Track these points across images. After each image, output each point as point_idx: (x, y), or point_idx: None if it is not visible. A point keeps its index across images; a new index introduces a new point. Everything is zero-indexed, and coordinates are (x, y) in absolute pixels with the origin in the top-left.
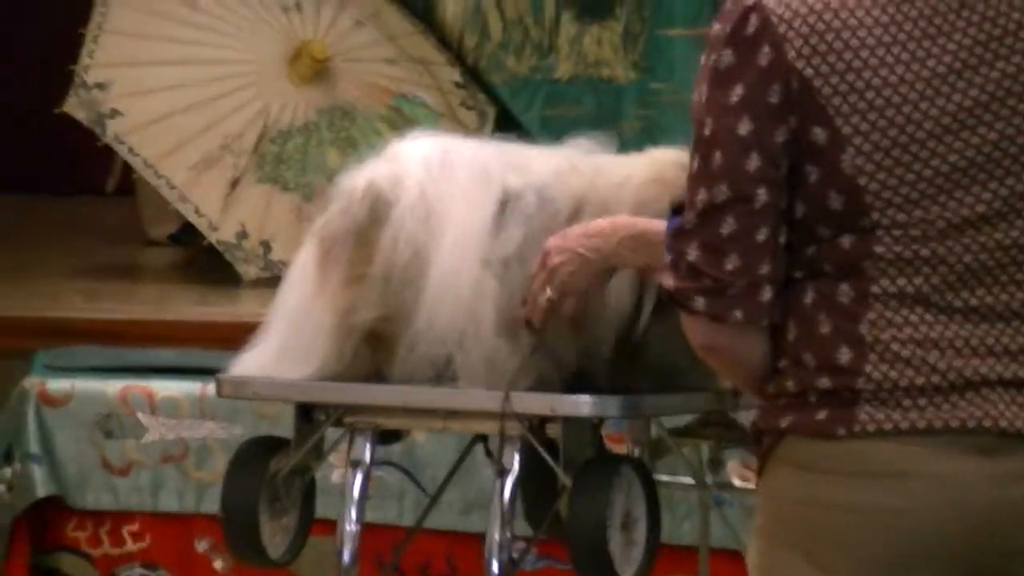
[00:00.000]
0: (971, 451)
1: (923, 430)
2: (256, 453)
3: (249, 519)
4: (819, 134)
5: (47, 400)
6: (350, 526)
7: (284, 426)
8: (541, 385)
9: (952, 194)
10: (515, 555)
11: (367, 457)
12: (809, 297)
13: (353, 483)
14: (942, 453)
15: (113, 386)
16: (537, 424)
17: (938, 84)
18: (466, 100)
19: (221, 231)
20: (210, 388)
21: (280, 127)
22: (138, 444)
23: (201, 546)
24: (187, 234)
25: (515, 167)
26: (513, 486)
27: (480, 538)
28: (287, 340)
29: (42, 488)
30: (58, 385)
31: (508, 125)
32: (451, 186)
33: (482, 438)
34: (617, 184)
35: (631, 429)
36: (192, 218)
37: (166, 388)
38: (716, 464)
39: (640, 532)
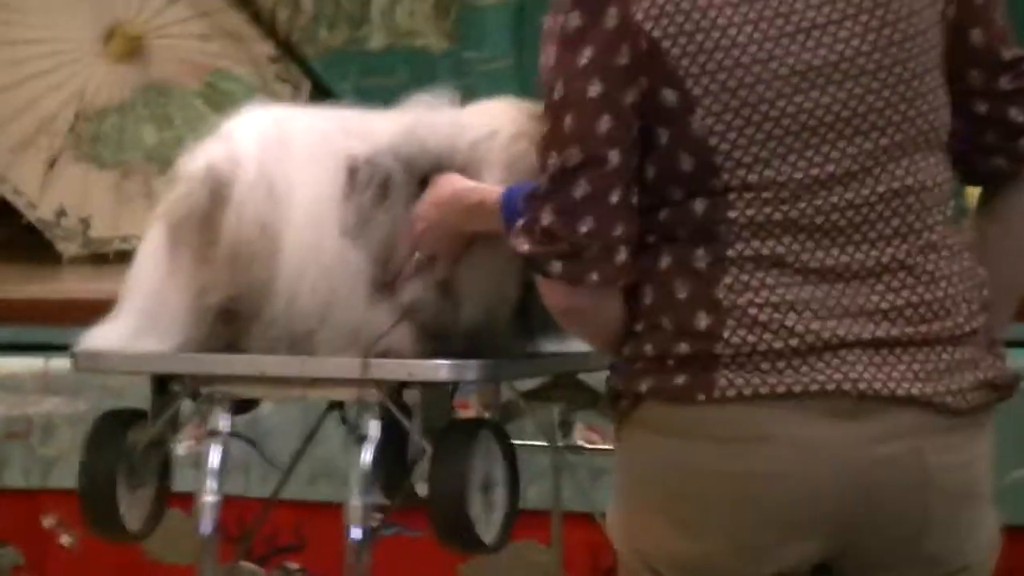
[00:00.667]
0: (830, 415)
1: (782, 394)
2: (113, 426)
3: (107, 492)
4: (669, 95)
5: None
6: (210, 497)
7: (129, 400)
8: (401, 352)
9: (803, 154)
10: (374, 524)
11: (225, 428)
12: (664, 262)
13: (210, 454)
14: (801, 417)
15: None
16: (395, 391)
17: (787, 43)
18: (280, 74)
19: (40, 209)
20: (53, 363)
21: (96, 106)
22: None
23: (48, 522)
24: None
25: (357, 133)
26: (374, 453)
27: (328, 507)
28: (143, 320)
29: None
30: None
31: (322, 98)
32: (291, 159)
33: (336, 406)
34: (485, 139)
35: (481, 394)
36: (11, 197)
37: (7, 364)
38: (566, 427)
39: (500, 495)
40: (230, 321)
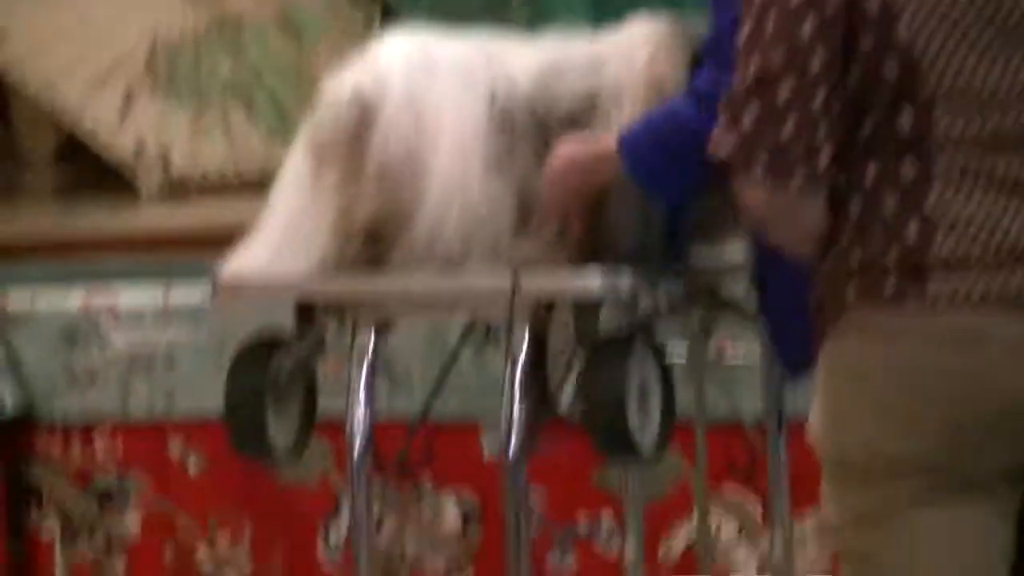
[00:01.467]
0: None
1: (996, 297)
2: (257, 351)
3: (256, 418)
4: (872, 3)
5: (8, 315)
6: (360, 419)
7: (251, 328)
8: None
9: (1010, 61)
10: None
11: (370, 350)
12: (871, 174)
13: (360, 376)
14: (1015, 319)
15: (74, 297)
16: (544, 308)
17: None
18: (352, 1)
19: (117, 146)
20: (173, 293)
21: (170, 41)
22: (103, 353)
23: (174, 451)
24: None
25: (499, 67)
26: (524, 366)
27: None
28: (284, 238)
29: (10, 402)
30: (19, 299)
31: (395, 23)
32: (437, 87)
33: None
34: (626, 72)
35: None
36: (87, 135)
37: (129, 296)
38: (706, 335)
39: (655, 405)
40: (373, 242)
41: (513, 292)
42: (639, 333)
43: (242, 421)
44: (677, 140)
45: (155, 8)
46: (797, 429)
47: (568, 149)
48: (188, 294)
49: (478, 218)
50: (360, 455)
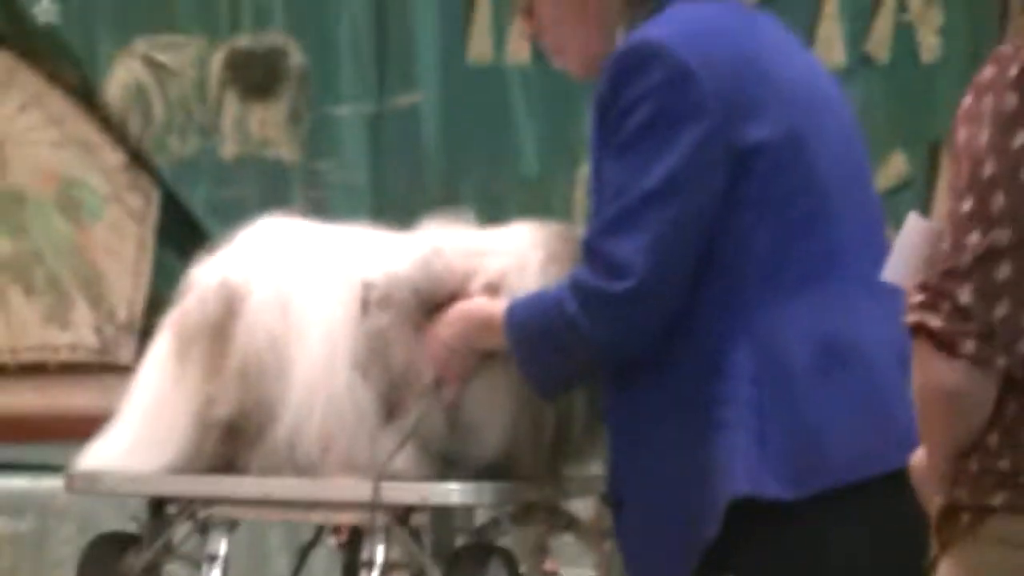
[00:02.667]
0: None
1: None
2: (108, 550)
3: None
4: None
5: None
6: None
7: (73, 520)
8: (409, 475)
9: None
10: None
11: (223, 551)
12: None
13: None
14: None
15: None
16: (403, 515)
17: None
18: (132, 183)
19: None
20: None
21: None
22: None
23: None
24: None
25: (372, 257)
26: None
27: None
28: (142, 431)
29: None
30: None
31: (174, 208)
32: (306, 278)
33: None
34: (516, 270)
35: (460, 517)
36: None
37: None
38: (541, 551)
39: None
40: (232, 439)
41: (374, 505)
42: (495, 550)
43: None
44: (558, 330)
45: None
46: None
47: (464, 306)
48: None
49: (340, 414)
50: None
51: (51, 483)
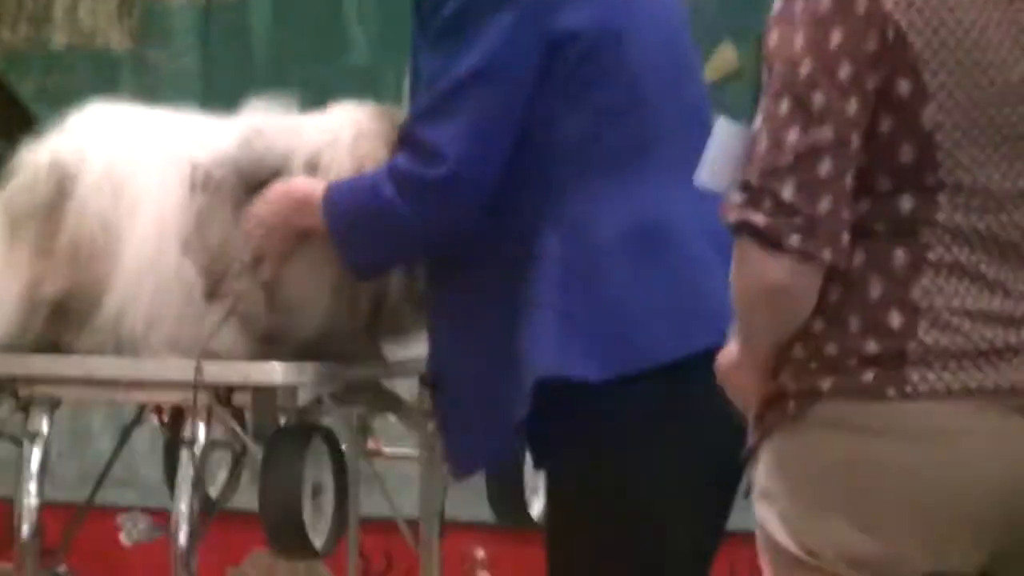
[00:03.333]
0: (1021, 412)
1: (974, 390)
2: None
3: None
4: (903, 86)
5: None
6: (30, 500)
7: None
8: (233, 355)
9: (1013, 164)
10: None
11: (45, 429)
12: (858, 258)
13: (31, 457)
14: (993, 412)
15: None
16: (225, 394)
17: (1021, 53)
18: None
19: None
20: None
21: None
22: None
23: None
24: None
25: (200, 139)
26: (200, 458)
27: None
28: None
29: None
30: None
31: (4, 96)
32: (137, 160)
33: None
34: (328, 146)
35: (283, 396)
36: None
37: None
38: (364, 431)
39: (328, 501)
40: (60, 318)
41: (196, 385)
42: (316, 429)
43: None
44: (374, 214)
45: None
46: (451, 529)
47: (283, 185)
48: None
49: (167, 299)
50: (29, 538)
51: None
